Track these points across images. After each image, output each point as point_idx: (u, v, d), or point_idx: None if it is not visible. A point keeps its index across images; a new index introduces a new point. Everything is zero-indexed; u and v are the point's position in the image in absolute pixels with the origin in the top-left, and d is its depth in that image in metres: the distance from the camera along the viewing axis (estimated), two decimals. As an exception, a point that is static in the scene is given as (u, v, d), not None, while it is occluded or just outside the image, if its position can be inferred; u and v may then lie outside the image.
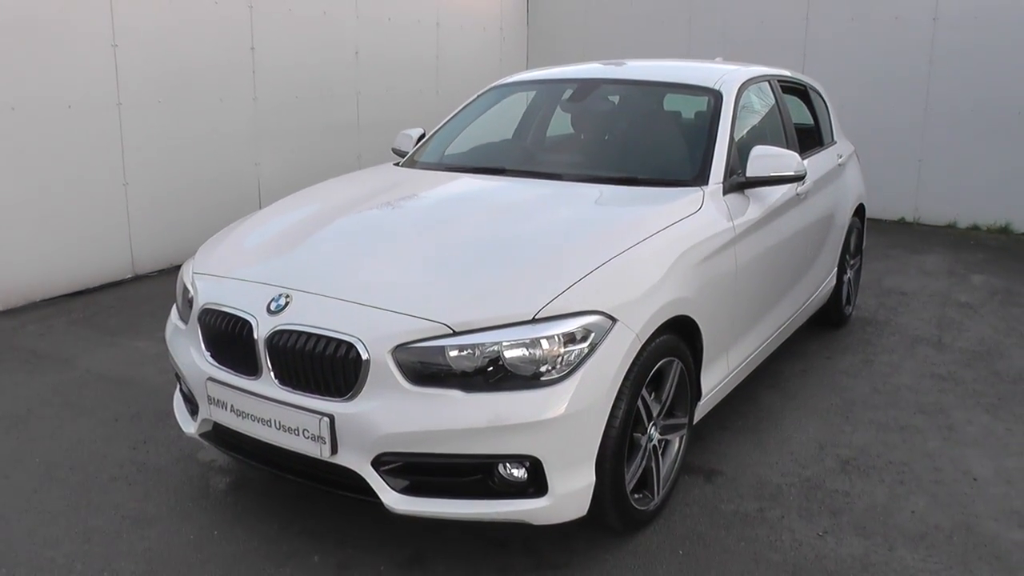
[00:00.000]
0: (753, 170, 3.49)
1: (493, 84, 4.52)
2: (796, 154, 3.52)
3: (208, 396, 2.82)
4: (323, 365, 2.56)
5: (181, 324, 3.10)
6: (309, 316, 2.61)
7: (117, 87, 5.65)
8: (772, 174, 3.48)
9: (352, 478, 2.57)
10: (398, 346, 2.48)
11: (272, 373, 2.65)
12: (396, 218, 3.25)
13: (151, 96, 5.90)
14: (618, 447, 2.65)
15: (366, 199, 3.46)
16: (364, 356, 2.48)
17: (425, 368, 2.48)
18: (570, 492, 2.55)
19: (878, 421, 3.86)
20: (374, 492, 2.54)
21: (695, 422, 3.24)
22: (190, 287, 3.05)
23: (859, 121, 7.92)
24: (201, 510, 3.09)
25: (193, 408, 3.04)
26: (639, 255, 2.83)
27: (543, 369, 2.47)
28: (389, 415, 2.47)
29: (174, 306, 3.32)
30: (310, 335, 2.57)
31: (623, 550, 2.84)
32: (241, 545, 2.87)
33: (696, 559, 2.81)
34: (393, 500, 2.53)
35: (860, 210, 5.19)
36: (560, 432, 2.48)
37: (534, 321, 2.50)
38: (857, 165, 5.32)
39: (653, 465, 2.93)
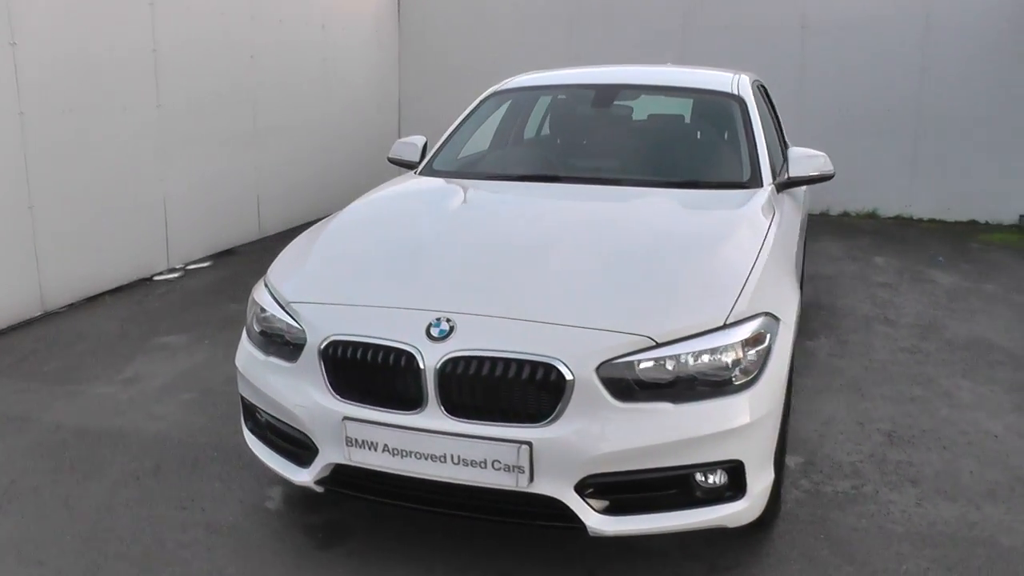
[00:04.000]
0: (796, 170, 3.68)
1: (494, 90, 4.41)
2: (825, 154, 3.76)
3: (347, 438, 2.55)
4: (512, 390, 2.41)
5: (281, 362, 2.76)
6: (490, 340, 2.44)
7: (18, 93, 4.89)
8: (812, 173, 3.69)
9: (549, 506, 2.44)
10: (603, 363, 2.39)
11: (441, 405, 2.46)
12: (506, 231, 3.12)
13: (57, 104, 5.16)
14: (782, 441, 2.73)
15: (450, 214, 3.30)
16: (568, 377, 2.37)
17: (631, 383, 2.41)
18: (762, 491, 2.58)
19: (887, 395, 4.21)
20: (574, 517, 2.43)
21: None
22: (292, 321, 2.73)
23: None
24: (316, 568, 2.79)
25: (299, 454, 2.74)
26: (769, 257, 2.91)
27: (737, 373, 2.49)
28: (598, 435, 2.38)
29: (246, 342, 2.97)
30: (496, 360, 2.41)
31: (775, 543, 2.91)
32: (391, 596, 2.64)
33: (839, 540, 2.93)
34: (596, 522, 2.44)
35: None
36: (758, 433, 2.52)
37: (725, 327, 2.51)
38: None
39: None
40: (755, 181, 3.59)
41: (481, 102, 4.41)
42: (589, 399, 2.38)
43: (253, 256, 7.03)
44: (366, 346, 2.53)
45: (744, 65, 8.66)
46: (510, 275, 2.72)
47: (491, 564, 2.78)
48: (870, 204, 8.57)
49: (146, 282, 6.12)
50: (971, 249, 7.37)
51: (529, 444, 2.38)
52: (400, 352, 2.48)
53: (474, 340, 2.45)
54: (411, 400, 2.49)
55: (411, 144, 4.25)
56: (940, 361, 4.67)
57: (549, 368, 2.38)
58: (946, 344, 4.94)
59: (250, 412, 3.00)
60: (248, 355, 2.92)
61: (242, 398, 3.02)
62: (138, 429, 3.79)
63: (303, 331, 2.68)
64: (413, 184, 3.87)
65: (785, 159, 3.78)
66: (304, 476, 2.72)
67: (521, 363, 2.40)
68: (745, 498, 2.53)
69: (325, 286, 2.82)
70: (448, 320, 2.50)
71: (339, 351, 2.57)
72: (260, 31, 7.16)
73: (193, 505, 3.17)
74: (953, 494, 3.27)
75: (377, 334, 2.53)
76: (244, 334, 3.04)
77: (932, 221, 8.52)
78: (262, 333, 2.91)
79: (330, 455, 2.62)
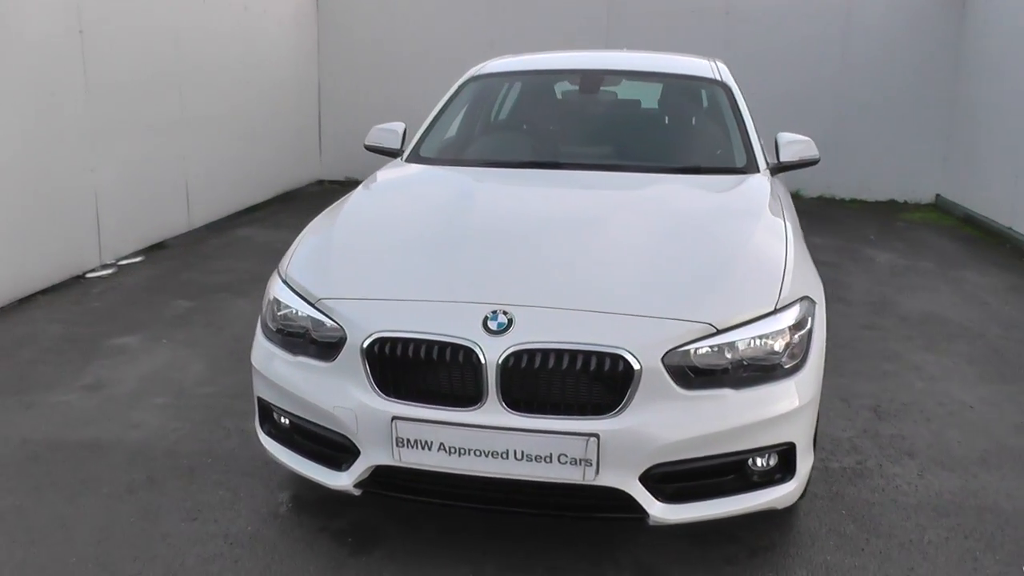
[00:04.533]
0: (786, 155, 3.77)
1: (472, 75, 4.30)
2: (810, 139, 3.86)
3: (397, 438, 2.45)
4: (577, 382, 2.37)
5: (313, 361, 2.61)
6: (552, 332, 2.39)
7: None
8: (801, 158, 3.79)
9: (612, 497, 2.42)
10: (668, 351, 2.38)
11: (501, 400, 2.39)
12: (537, 219, 3.06)
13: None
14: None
15: (473, 203, 3.22)
16: (636, 366, 2.34)
17: (694, 371, 2.41)
18: (806, 471, 2.64)
19: (861, 372, 4.38)
20: (638, 508, 2.42)
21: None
22: (324, 319, 2.59)
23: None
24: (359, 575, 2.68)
25: (335, 457, 2.62)
26: (794, 239, 2.96)
27: (786, 357, 2.52)
28: (665, 424, 2.36)
29: (264, 341, 2.80)
30: (561, 352, 2.35)
31: (803, 521, 2.97)
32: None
33: (860, 515, 3.03)
34: (659, 511, 2.43)
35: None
36: (807, 415, 2.57)
37: (776, 312, 2.53)
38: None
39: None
40: (752, 166, 3.65)
41: (460, 87, 4.29)
42: (655, 388, 2.36)
43: (185, 249, 6.68)
44: (418, 342, 2.43)
45: (668, 49, 8.86)
46: (557, 264, 2.67)
47: (539, 559, 2.73)
48: (793, 185, 8.83)
49: (79, 280, 5.71)
50: (897, 228, 7.77)
51: (596, 436, 2.34)
52: (457, 347, 2.39)
53: (536, 332, 2.39)
54: (468, 396, 2.41)
55: (391, 131, 4.11)
56: (901, 337, 4.89)
57: (616, 358, 2.35)
58: (901, 320, 5.18)
59: (267, 414, 2.85)
60: (269, 354, 2.76)
61: (259, 400, 2.85)
62: (117, 439, 3.53)
63: (341, 329, 2.55)
64: (411, 172, 3.74)
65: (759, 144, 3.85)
66: (343, 480, 2.60)
67: (588, 354, 2.35)
68: (794, 479, 2.58)
69: (360, 281, 2.69)
70: (505, 312, 2.43)
71: (386, 348, 2.46)
72: (184, 12, 6.78)
73: (203, 516, 2.98)
74: (949, 464, 3.43)
75: (430, 329, 2.44)
76: (259, 332, 2.87)
77: (853, 201, 8.94)
78: (279, 331, 2.76)
79: (374, 456, 2.51)
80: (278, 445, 2.81)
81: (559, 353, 2.36)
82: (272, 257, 6.61)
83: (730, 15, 8.99)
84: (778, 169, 3.78)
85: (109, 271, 5.94)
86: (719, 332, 2.43)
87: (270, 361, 2.75)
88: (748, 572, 2.70)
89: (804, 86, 8.80)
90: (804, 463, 2.60)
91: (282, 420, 2.78)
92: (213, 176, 7.47)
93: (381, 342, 2.46)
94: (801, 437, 2.55)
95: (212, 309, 5.25)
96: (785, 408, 2.47)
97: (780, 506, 2.60)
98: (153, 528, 2.91)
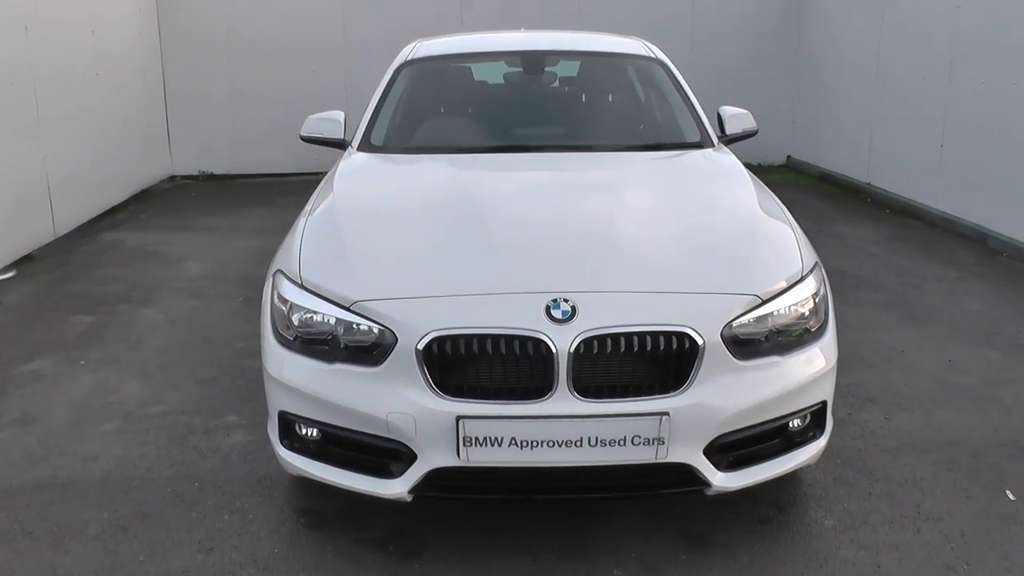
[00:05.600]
0: (731, 128, 3.95)
1: (406, 59, 4.15)
2: (748, 111, 4.06)
3: (464, 438, 2.38)
4: (646, 364, 2.39)
5: (356, 368, 2.47)
6: (619, 316, 2.39)
7: None
8: (744, 130, 3.98)
9: (677, 472, 2.47)
10: (725, 325, 2.44)
11: (572, 388, 2.37)
12: (547, 204, 3.04)
13: None
14: None
15: (476, 190, 3.17)
16: (700, 342, 2.39)
17: (737, 341, 2.48)
18: (831, 427, 2.81)
19: (795, 327, 4.68)
20: (701, 480, 2.48)
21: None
22: (364, 322, 2.46)
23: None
24: (416, 580, 2.58)
25: (383, 465, 2.51)
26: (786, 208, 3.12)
27: (812, 321, 2.67)
28: (728, 396, 2.44)
29: (284, 352, 2.60)
30: (630, 335, 2.36)
31: (808, 474, 3.13)
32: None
33: (855, 462, 3.24)
34: (721, 480, 2.51)
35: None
36: (833, 374, 2.73)
37: (803, 279, 2.67)
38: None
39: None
40: (706, 141, 3.78)
41: (396, 73, 4.14)
42: (716, 362, 2.43)
43: (58, 260, 6.09)
44: (481, 338, 2.36)
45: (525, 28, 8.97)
46: (595, 246, 2.68)
47: (593, 540, 2.74)
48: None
49: (-50, 302, 5.07)
50: (766, 192, 8.29)
51: (667, 414, 2.38)
52: (525, 339, 2.35)
53: (602, 318, 2.38)
54: (535, 388, 2.37)
55: (331, 120, 3.92)
56: (815, 292, 5.25)
57: (681, 336, 2.38)
58: (808, 277, 5.56)
59: (289, 429, 2.67)
60: (294, 364, 2.57)
61: (282, 415, 2.65)
62: (78, 475, 3.19)
63: (383, 331, 2.43)
64: (379, 162, 3.59)
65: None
66: (396, 488, 2.49)
67: (655, 335, 2.38)
68: (824, 436, 2.74)
69: (396, 279, 2.57)
70: (566, 300, 2.40)
71: (446, 347, 2.37)
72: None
73: (219, 544, 2.76)
74: (906, 405, 3.74)
75: (493, 323, 2.37)
76: (272, 342, 2.66)
77: (715, 168, 9.48)
78: (297, 339, 2.59)
79: (433, 460, 2.42)
80: (307, 459, 2.64)
81: (628, 337, 2.37)
82: (152, 261, 6.28)
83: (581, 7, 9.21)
84: (725, 141, 3.94)
85: (-19, 290, 5.30)
86: (764, 302, 2.53)
87: (297, 371, 2.57)
88: (786, 528, 2.84)
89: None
90: (830, 420, 2.77)
91: (308, 432, 2.62)
92: (74, 178, 6.82)
93: (439, 341, 2.37)
94: (830, 395, 2.72)
95: (118, 322, 4.82)
96: (821, 369, 2.62)
97: (812, 462, 2.75)
98: (169, 565, 2.66)
